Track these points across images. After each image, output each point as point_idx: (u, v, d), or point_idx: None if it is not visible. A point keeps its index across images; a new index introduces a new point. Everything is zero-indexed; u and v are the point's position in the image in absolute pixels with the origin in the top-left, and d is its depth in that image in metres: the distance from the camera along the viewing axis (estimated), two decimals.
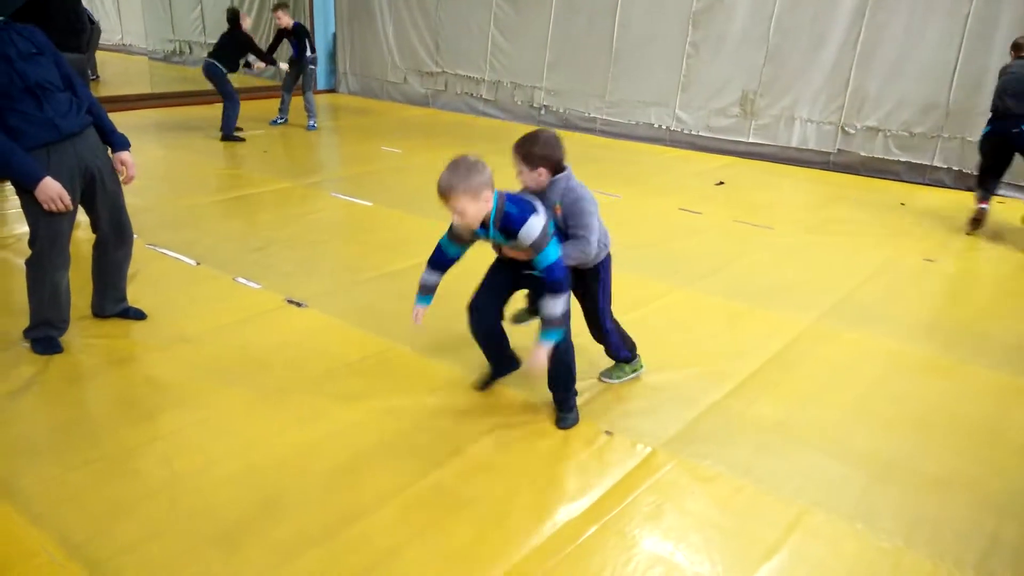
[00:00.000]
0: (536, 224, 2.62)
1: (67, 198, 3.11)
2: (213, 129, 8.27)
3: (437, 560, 2.27)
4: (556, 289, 2.64)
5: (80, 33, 5.82)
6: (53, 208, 3.09)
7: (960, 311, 4.32)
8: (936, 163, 7.37)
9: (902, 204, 6.64)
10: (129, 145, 3.44)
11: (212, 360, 3.43)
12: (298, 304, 4.03)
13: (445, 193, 2.56)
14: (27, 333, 3.42)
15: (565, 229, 2.87)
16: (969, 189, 7.21)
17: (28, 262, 3.29)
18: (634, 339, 3.33)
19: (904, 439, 3.01)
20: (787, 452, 2.88)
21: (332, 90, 11.87)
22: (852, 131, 7.74)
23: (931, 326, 4.09)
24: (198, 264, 4.17)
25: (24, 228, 4.92)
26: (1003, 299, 4.54)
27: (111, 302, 3.70)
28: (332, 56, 11.82)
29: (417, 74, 10.94)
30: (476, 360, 3.19)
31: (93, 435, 2.82)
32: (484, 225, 2.67)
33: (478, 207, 2.58)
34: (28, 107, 3.04)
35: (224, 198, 6.04)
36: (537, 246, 2.62)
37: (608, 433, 2.94)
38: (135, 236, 3.61)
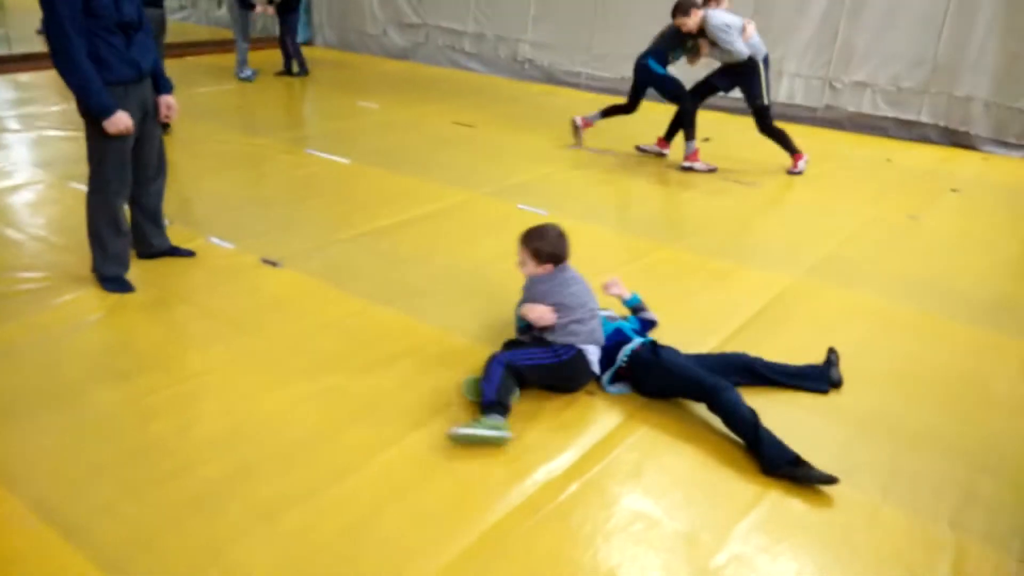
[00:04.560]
0: None
1: (132, 126, 3.31)
2: (182, 83, 8.09)
3: (418, 519, 2.26)
4: None
5: None
6: (122, 130, 3.26)
7: (943, 268, 4.33)
8: (923, 119, 7.33)
9: (888, 160, 6.61)
10: (173, 88, 3.63)
11: (185, 322, 3.38)
12: (273, 264, 3.96)
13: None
14: (97, 270, 3.54)
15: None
16: (955, 144, 7.20)
17: (90, 193, 3.44)
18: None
19: (885, 395, 3.03)
20: (767, 408, 2.87)
21: (308, 42, 11.56)
22: (840, 86, 7.66)
23: (914, 283, 4.09)
24: (169, 223, 4.08)
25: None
26: (985, 256, 4.55)
27: (157, 236, 3.83)
28: (308, 7, 11.50)
29: (397, 26, 10.68)
30: (456, 320, 3.14)
31: (66, 397, 2.77)
32: None
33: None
34: (118, 42, 3.22)
35: (194, 154, 5.89)
36: None
37: (589, 393, 2.93)
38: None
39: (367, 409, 2.77)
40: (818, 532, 2.29)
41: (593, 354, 2.87)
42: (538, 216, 4.82)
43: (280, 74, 9.25)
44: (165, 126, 6.02)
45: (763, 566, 2.16)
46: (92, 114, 3.23)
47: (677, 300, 3.75)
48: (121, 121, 3.24)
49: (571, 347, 2.82)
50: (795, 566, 2.16)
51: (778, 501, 2.41)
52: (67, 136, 6.06)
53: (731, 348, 3.30)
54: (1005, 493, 2.49)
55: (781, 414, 2.84)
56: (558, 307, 2.86)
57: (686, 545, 2.22)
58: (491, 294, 3.68)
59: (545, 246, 2.92)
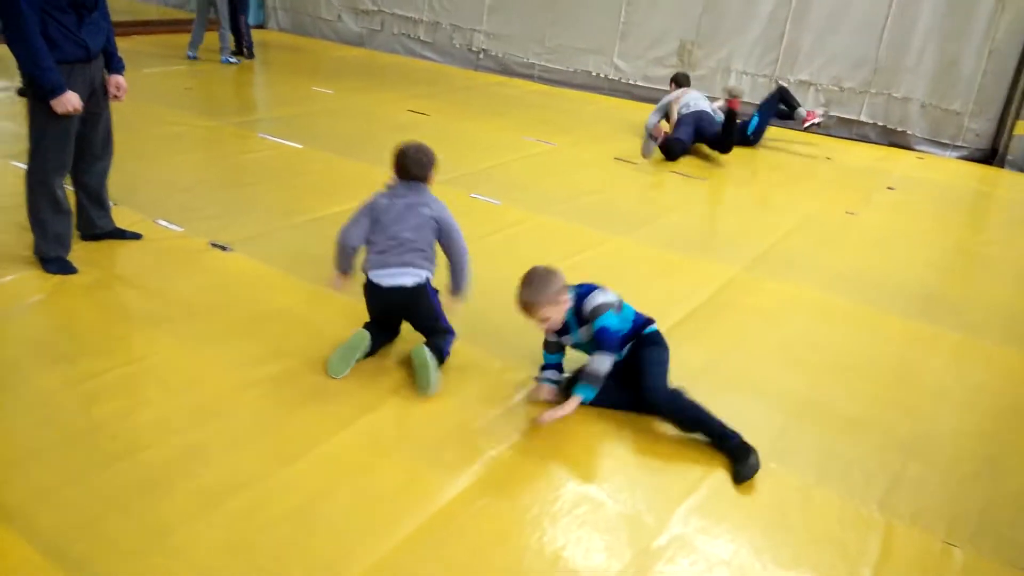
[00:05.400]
0: (600, 295, 2.76)
1: (81, 106, 3.27)
2: (130, 63, 7.86)
3: (367, 501, 2.28)
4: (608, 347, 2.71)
5: None
6: (70, 111, 3.22)
7: (878, 262, 4.50)
8: (863, 118, 7.57)
9: (828, 158, 6.81)
10: (124, 68, 3.60)
11: (132, 305, 3.32)
12: (223, 248, 3.91)
13: (529, 309, 2.66)
14: (38, 252, 3.46)
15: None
16: (892, 144, 7.46)
17: (29, 171, 3.37)
18: None
19: (822, 383, 3.15)
20: (710, 395, 2.95)
21: (261, 26, 11.34)
22: (785, 84, 7.85)
23: (852, 276, 4.25)
24: (115, 205, 3.99)
25: None
26: (917, 251, 4.74)
27: (101, 218, 3.74)
28: None
29: (352, 12, 10.54)
30: None
31: (5, 380, 2.70)
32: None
33: (559, 309, 2.69)
34: (69, 22, 3.18)
35: (142, 136, 5.75)
36: (595, 312, 2.71)
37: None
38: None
39: (316, 393, 2.77)
40: (755, 513, 2.38)
41: (377, 276, 2.94)
42: (491, 205, 4.85)
43: (232, 54, 9.05)
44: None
45: (702, 546, 2.24)
46: (41, 91, 3.17)
47: (624, 290, 3.80)
48: (69, 101, 3.20)
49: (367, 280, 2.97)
50: (733, 547, 2.25)
51: (717, 483, 2.49)
52: (5, 114, 5.84)
53: (676, 337, 3.37)
54: (932, 477, 2.62)
55: (720, 401, 2.93)
56: (370, 240, 3.03)
57: (629, 527, 2.28)
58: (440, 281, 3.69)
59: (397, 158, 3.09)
